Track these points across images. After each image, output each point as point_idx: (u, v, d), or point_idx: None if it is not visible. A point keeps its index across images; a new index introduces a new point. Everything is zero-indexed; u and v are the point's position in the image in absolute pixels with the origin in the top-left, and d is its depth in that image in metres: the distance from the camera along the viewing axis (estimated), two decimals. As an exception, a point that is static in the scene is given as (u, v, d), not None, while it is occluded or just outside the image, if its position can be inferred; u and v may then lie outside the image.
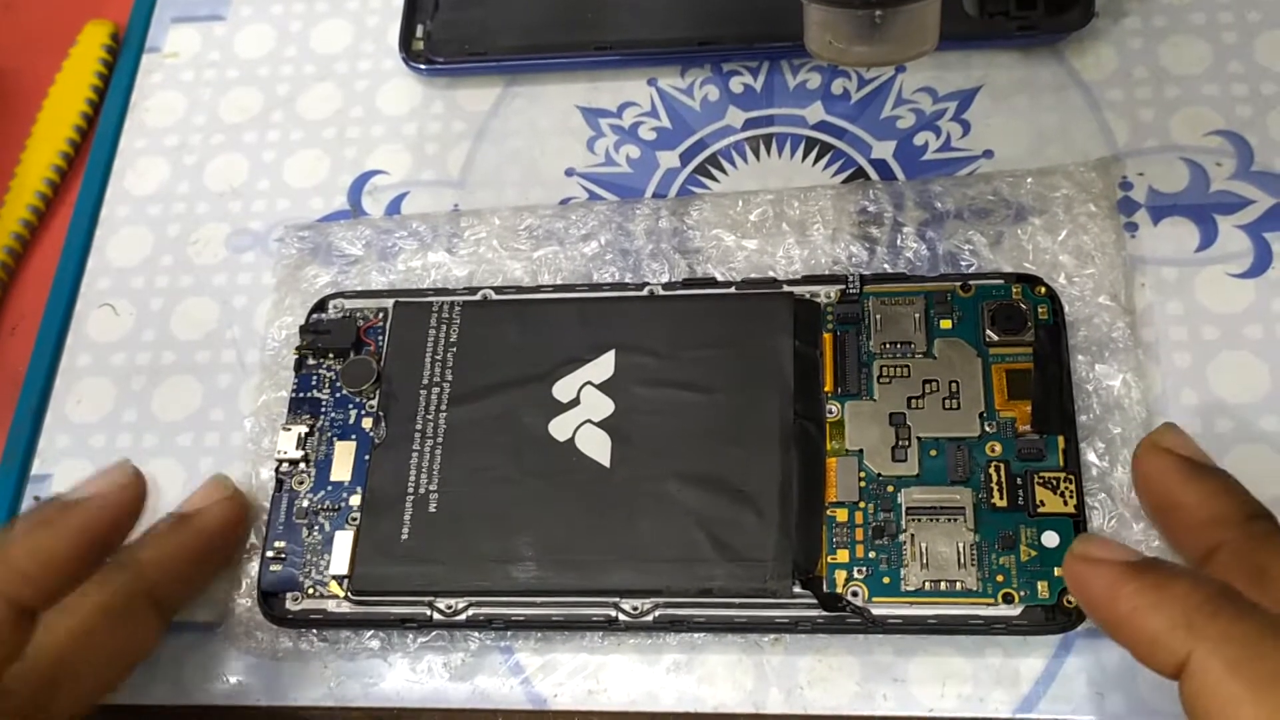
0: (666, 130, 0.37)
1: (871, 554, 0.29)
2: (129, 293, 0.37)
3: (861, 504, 0.29)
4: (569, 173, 0.36)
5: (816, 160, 0.35)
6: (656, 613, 0.29)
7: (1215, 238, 0.32)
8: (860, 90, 0.36)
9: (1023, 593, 0.28)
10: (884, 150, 0.35)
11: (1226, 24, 0.35)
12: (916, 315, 0.31)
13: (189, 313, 0.36)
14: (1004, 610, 0.28)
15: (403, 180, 0.37)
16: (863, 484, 0.29)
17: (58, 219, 0.39)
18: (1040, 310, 0.30)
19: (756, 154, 0.36)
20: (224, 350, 0.35)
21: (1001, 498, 0.29)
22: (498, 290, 0.33)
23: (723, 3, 0.37)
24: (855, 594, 0.28)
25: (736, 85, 0.37)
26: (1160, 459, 0.27)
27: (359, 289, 0.34)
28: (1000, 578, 0.28)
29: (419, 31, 0.38)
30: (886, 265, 0.33)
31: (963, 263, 0.32)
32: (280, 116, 0.39)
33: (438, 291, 0.33)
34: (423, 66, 0.38)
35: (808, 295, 0.32)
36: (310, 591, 0.30)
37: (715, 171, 0.36)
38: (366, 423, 0.32)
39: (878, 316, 0.31)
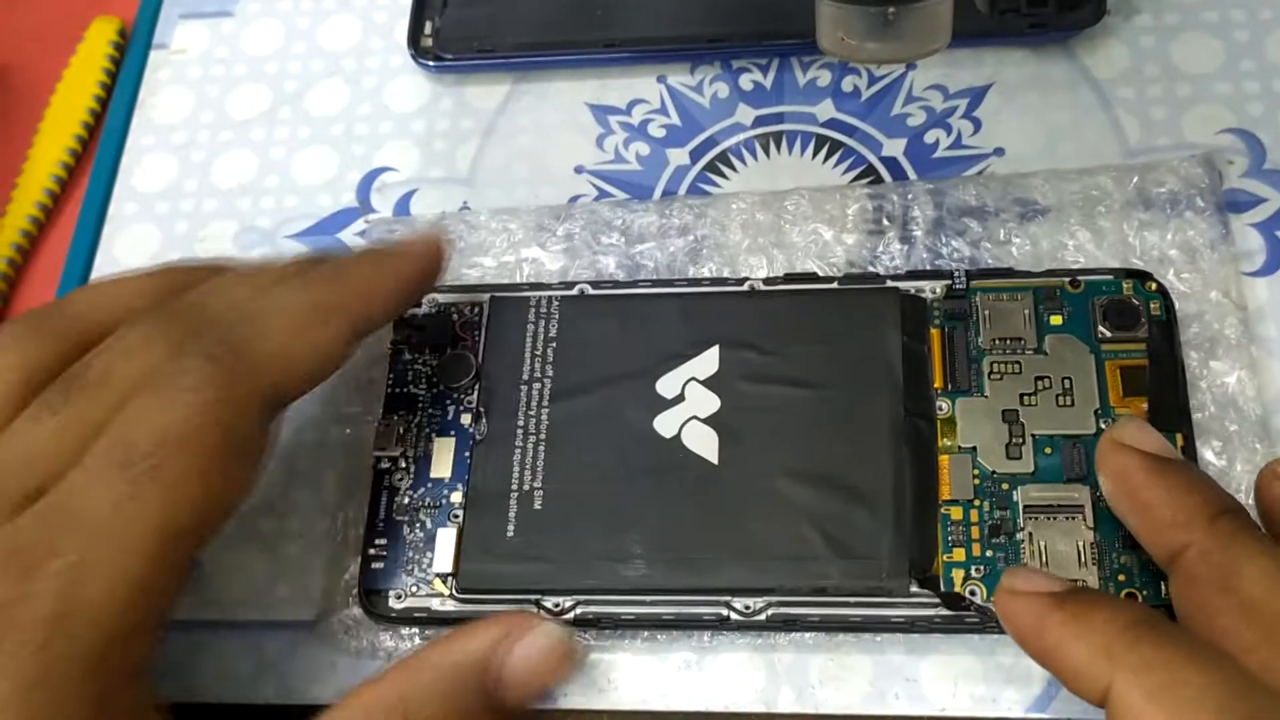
0: (676, 128, 0.36)
1: (989, 552, 0.28)
2: (137, 290, 0.36)
3: (976, 501, 0.29)
4: (578, 170, 0.36)
5: (827, 158, 0.35)
6: (769, 611, 0.28)
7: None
8: (871, 88, 0.36)
9: (1145, 592, 0.27)
10: (894, 148, 0.35)
11: (1239, 22, 0.35)
12: (1026, 311, 0.31)
13: (197, 310, 0.36)
14: None
15: (411, 177, 0.37)
16: (977, 481, 0.29)
17: (65, 216, 0.39)
18: (1152, 306, 0.30)
19: (766, 151, 0.36)
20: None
21: None
22: (594, 284, 0.33)
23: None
24: (973, 593, 0.28)
25: (746, 83, 0.37)
26: (1122, 457, 0.26)
27: (452, 283, 0.34)
28: (1122, 577, 0.28)
29: (427, 28, 0.38)
30: (989, 261, 0.32)
31: (1067, 259, 0.32)
32: (288, 113, 0.39)
33: (533, 286, 0.33)
34: (431, 63, 0.38)
35: (913, 290, 0.31)
36: (413, 590, 0.30)
37: (725, 169, 0.36)
38: (464, 419, 0.32)
39: (986, 312, 0.31)
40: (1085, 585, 0.23)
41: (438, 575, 0.30)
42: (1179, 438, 0.29)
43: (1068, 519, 0.28)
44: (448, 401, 0.32)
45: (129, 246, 0.37)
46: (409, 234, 0.31)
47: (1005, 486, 0.29)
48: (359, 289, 0.29)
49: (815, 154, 0.35)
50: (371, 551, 0.31)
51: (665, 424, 0.31)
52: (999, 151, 0.34)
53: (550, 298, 0.33)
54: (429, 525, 0.31)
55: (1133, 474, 0.26)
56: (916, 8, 0.28)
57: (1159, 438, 0.27)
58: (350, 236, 0.36)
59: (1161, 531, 0.25)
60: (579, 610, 0.29)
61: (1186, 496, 0.25)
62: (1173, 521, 0.25)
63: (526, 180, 0.36)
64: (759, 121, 0.36)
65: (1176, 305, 0.31)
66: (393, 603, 0.30)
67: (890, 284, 0.32)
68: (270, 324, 0.27)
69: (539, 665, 0.27)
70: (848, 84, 0.36)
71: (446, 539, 0.30)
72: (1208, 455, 0.29)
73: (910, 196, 0.34)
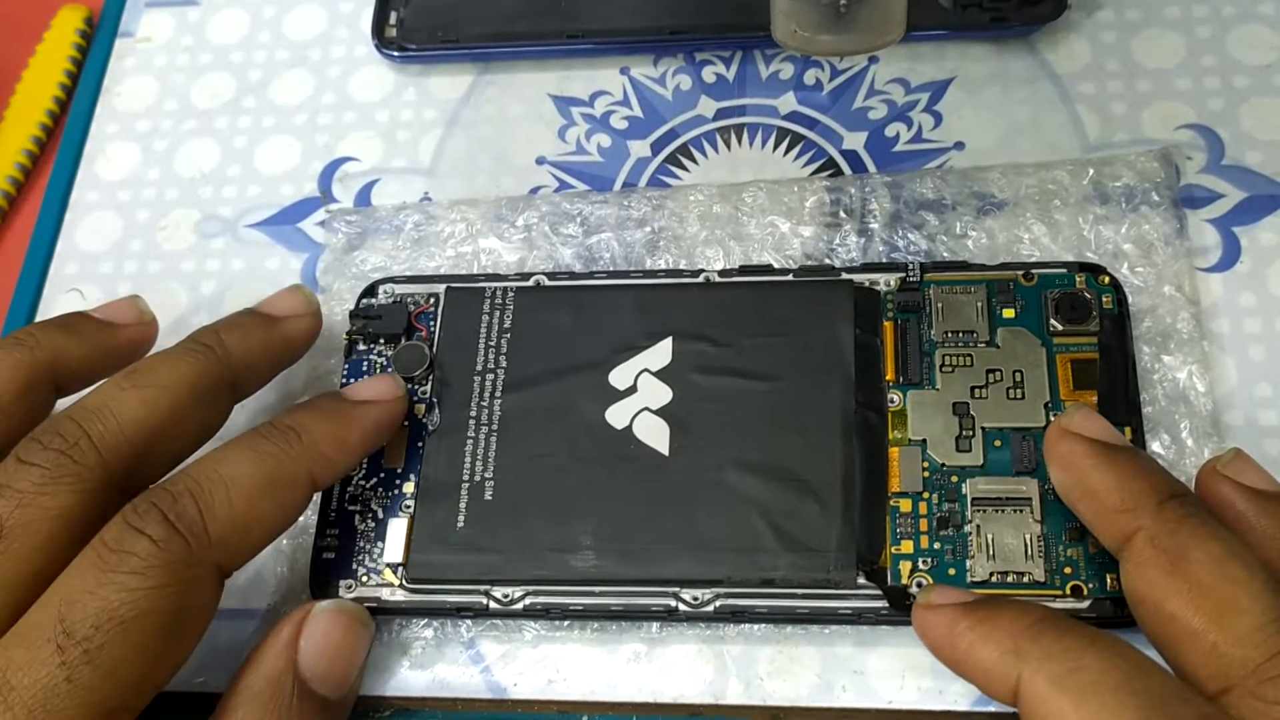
0: (638, 119, 0.36)
1: (936, 545, 0.28)
2: (97, 278, 0.36)
3: (925, 494, 0.29)
4: (540, 161, 0.36)
5: (788, 151, 0.35)
6: (717, 603, 0.28)
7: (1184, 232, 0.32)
8: (833, 81, 0.36)
9: (1091, 585, 0.27)
10: (855, 141, 0.35)
11: (1201, 17, 0.35)
12: (979, 304, 0.31)
13: (156, 298, 0.35)
14: (1072, 604, 0.27)
15: (373, 167, 0.37)
16: (926, 474, 0.29)
17: (28, 203, 0.39)
18: (1104, 300, 0.30)
19: (728, 144, 0.36)
20: (191, 336, 0.35)
21: None
22: (550, 276, 0.33)
23: (696, -8, 0.37)
24: (920, 585, 0.28)
25: (709, 75, 0.37)
26: (1070, 444, 0.26)
27: (409, 274, 0.34)
28: (1068, 570, 0.28)
29: (392, 18, 0.38)
30: (946, 254, 0.32)
31: (1022, 253, 0.32)
32: (252, 102, 0.38)
33: (490, 277, 0.33)
34: (395, 53, 0.38)
35: (867, 283, 0.31)
36: (364, 580, 0.30)
37: (686, 161, 0.36)
38: (418, 409, 0.32)
39: (939, 305, 0.31)
40: (991, 596, 0.24)
41: (388, 565, 0.30)
42: (1128, 431, 0.29)
43: (1015, 512, 0.28)
44: None
45: (90, 234, 0.37)
46: (377, 380, 0.31)
47: (954, 479, 0.29)
48: (320, 453, 0.28)
49: (776, 147, 0.35)
50: (323, 541, 0.31)
51: (617, 415, 0.31)
52: (959, 145, 0.34)
53: (505, 289, 0.33)
54: (381, 515, 0.31)
55: (1080, 461, 0.26)
56: (869, 0, 0.28)
57: (1106, 425, 0.27)
58: (311, 226, 0.36)
59: (1110, 517, 0.25)
60: (528, 601, 0.29)
61: (1134, 482, 0.25)
62: (1121, 507, 0.25)
63: (488, 171, 0.36)
64: (721, 114, 0.36)
65: (1130, 299, 0.31)
66: (343, 593, 0.30)
67: (845, 276, 0.32)
68: (221, 497, 0.26)
69: (327, 647, 0.28)
70: (810, 77, 0.36)
71: (397, 529, 0.30)
72: (1156, 449, 0.29)
73: (868, 189, 0.34)
